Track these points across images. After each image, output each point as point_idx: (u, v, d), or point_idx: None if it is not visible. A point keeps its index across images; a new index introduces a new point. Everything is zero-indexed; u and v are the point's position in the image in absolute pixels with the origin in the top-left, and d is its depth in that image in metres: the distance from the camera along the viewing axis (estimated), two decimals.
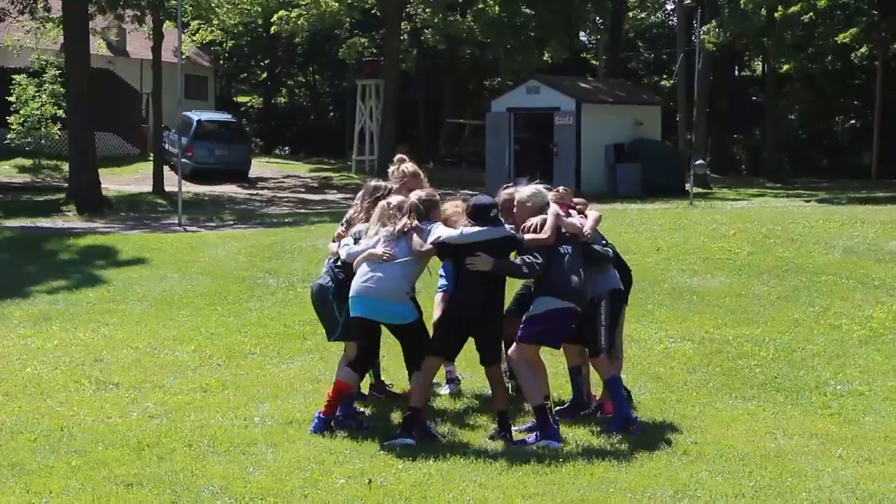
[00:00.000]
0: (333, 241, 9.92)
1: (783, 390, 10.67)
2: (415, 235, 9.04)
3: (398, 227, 9.12)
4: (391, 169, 10.24)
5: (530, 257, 8.95)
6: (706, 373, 11.30)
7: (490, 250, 8.87)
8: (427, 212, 9.21)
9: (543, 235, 9.03)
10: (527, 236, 9.08)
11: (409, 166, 10.14)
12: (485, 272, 8.85)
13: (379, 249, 9.08)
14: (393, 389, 10.43)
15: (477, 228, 8.91)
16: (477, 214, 9.00)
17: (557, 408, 9.80)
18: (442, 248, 9.01)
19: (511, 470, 8.04)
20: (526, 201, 9.36)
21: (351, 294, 9.10)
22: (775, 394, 10.56)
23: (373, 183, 10.03)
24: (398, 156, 10.46)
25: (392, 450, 8.49)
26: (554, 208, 9.24)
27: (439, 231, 8.99)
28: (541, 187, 9.56)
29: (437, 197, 9.41)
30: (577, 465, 8.20)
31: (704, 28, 37.94)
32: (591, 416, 9.65)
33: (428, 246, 8.99)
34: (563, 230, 9.20)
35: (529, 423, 9.23)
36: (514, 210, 9.40)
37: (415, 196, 9.36)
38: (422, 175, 10.17)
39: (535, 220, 9.16)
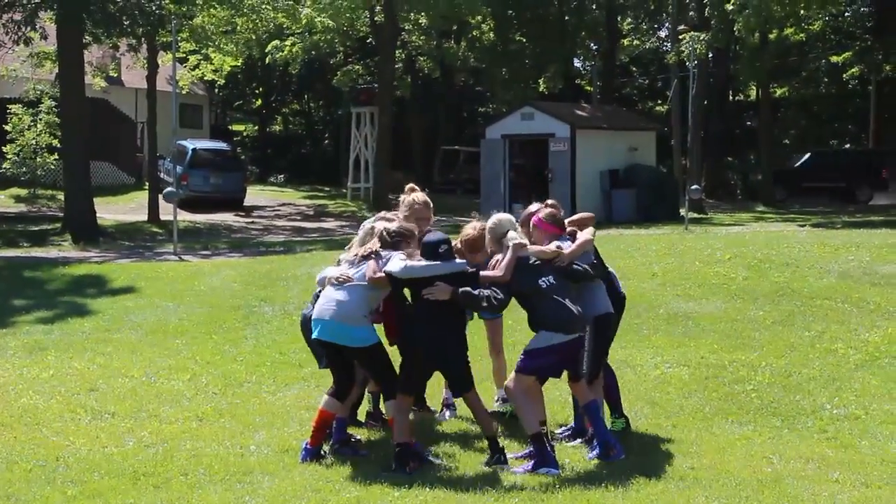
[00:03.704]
0: None
1: (779, 415, 10.65)
2: (371, 262, 9.03)
3: (360, 251, 9.15)
4: (402, 197, 10.24)
5: (492, 291, 8.87)
6: (702, 398, 11.28)
7: (447, 284, 8.80)
8: (394, 243, 9.13)
9: (498, 273, 8.98)
10: (482, 273, 9.05)
11: (419, 196, 10.14)
12: (445, 302, 8.77)
13: (337, 272, 9.11)
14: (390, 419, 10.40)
15: (424, 263, 8.84)
16: (425, 251, 8.94)
17: (556, 431, 9.80)
18: (393, 279, 8.94)
19: (507, 496, 8.03)
20: (488, 231, 9.39)
21: (313, 316, 9.14)
22: (772, 418, 10.54)
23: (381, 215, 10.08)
24: (409, 185, 10.47)
25: (388, 477, 8.47)
26: (515, 243, 9.10)
27: (390, 264, 8.91)
28: (504, 217, 9.52)
29: (411, 231, 9.30)
30: (573, 491, 8.19)
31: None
32: (587, 444, 9.62)
33: (380, 273, 8.93)
34: (533, 261, 9.13)
35: (526, 449, 9.20)
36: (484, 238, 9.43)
37: (385, 226, 9.35)
38: (431, 205, 10.18)
39: (498, 258, 9.14)
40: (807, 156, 47.71)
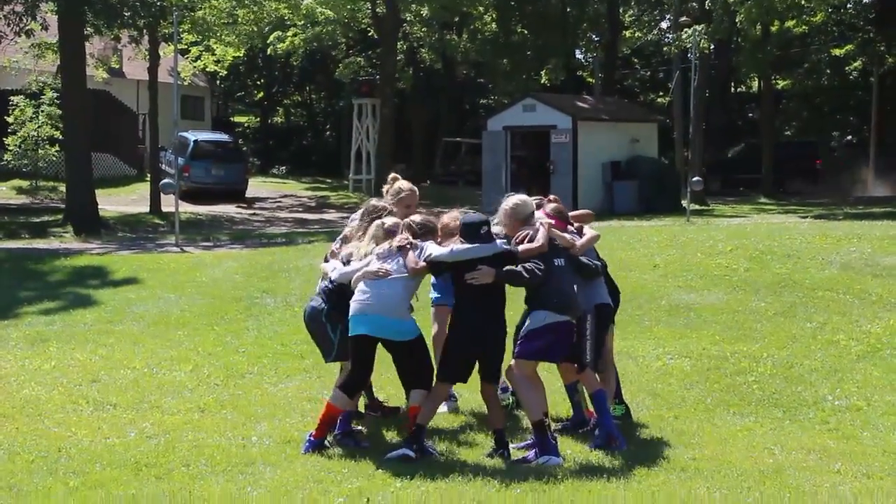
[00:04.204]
0: (326, 260, 9.95)
1: (781, 406, 10.66)
2: (410, 252, 9.04)
3: (394, 242, 9.13)
4: (385, 188, 10.28)
5: (532, 263, 8.88)
6: (704, 389, 11.29)
7: (489, 266, 8.83)
8: (422, 235, 9.19)
9: (537, 244, 8.97)
10: (521, 246, 9.02)
11: (404, 184, 10.18)
12: (486, 287, 8.81)
13: (374, 267, 9.08)
14: (388, 404, 10.41)
15: (467, 245, 8.86)
16: (467, 233, 8.95)
17: (557, 424, 9.81)
18: (436, 265, 8.98)
19: (509, 488, 8.02)
20: (510, 211, 9.36)
21: (352, 313, 9.06)
22: (773, 409, 10.55)
23: (373, 202, 10.07)
24: (392, 175, 10.51)
25: (390, 468, 8.46)
26: (545, 219, 9.23)
27: (430, 249, 8.97)
28: (527, 197, 9.56)
29: (435, 224, 9.35)
30: (574, 482, 8.19)
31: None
32: (590, 433, 9.63)
33: (422, 263, 8.97)
34: (556, 241, 9.18)
35: (528, 440, 9.21)
36: (501, 219, 9.42)
37: (411, 218, 9.40)
38: (416, 192, 10.20)
39: (526, 231, 9.15)
40: (740, 147, 47.97)
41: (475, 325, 8.93)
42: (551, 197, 10.13)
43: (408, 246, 9.09)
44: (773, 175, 44.63)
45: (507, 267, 8.87)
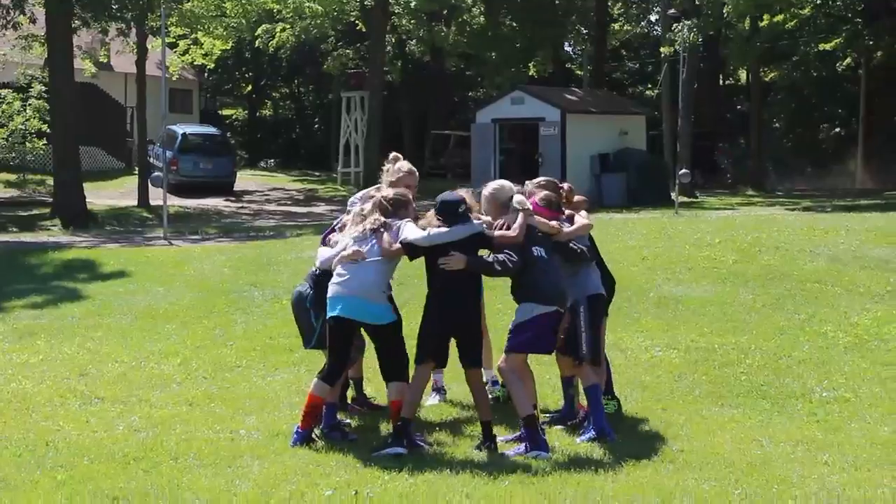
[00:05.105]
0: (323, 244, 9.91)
1: (769, 398, 10.67)
2: (384, 234, 9.01)
3: (367, 225, 9.11)
4: (386, 167, 10.17)
5: (504, 255, 8.88)
6: (692, 381, 11.30)
7: (461, 248, 8.80)
8: (395, 210, 9.14)
9: (512, 233, 8.95)
10: (496, 233, 9.02)
11: (404, 164, 10.09)
12: (457, 272, 8.80)
13: (349, 250, 9.07)
14: (376, 402, 10.39)
15: (445, 229, 8.83)
16: (444, 211, 8.93)
17: (545, 414, 9.82)
18: (411, 248, 8.94)
19: (497, 480, 8.03)
20: (489, 196, 9.34)
21: (329, 295, 9.07)
22: (761, 401, 10.56)
23: (372, 190, 10.02)
24: (393, 154, 10.40)
25: (379, 461, 8.47)
26: (525, 207, 9.12)
27: (407, 231, 8.92)
28: (506, 182, 9.52)
29: (407, 196, 9.31)
30: (563, 474, 8.19)
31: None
32: (578, 426, 9.63)
33: (397, 245, 8.93)
34: (536, 230, 9.15)
35: (517, 433, 9.21)
36: (482, 205, 9.39)
37: (381, 195, 9.35)
38: (416, 173, 10.13)
39: (503, 220, 9.12)
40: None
41: (443, 308, 8.93)
42: (564, 185, 10.06)
43: (381, 229, 9.07)
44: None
45: (479, 256, 8.87)
